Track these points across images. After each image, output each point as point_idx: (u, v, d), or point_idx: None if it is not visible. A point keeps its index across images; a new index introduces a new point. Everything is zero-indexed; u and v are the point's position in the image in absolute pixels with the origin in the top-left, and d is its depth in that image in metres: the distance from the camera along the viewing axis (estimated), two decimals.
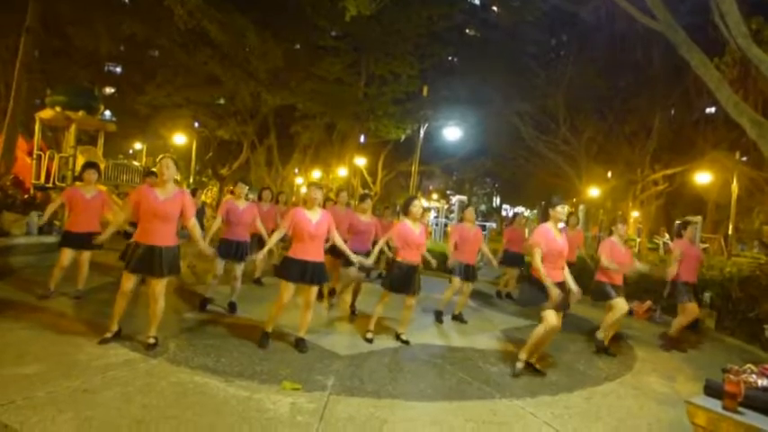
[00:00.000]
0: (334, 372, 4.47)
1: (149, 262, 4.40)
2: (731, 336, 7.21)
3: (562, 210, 4.90)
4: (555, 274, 4.81)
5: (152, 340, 4.52)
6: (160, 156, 4.92)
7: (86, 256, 6.12)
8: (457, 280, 6.84)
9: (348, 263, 6.49)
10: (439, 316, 6.89)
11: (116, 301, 4.56)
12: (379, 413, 3.70)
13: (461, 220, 7.15)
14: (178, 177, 5.07)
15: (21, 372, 3.73)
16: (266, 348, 4.84)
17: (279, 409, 3.57)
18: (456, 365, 5.05)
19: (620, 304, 5.90)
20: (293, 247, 4.97)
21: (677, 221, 7.43)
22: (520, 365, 4.89)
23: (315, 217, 4.94)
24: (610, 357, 5.83)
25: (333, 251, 5.94)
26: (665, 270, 6.70)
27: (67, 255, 5.97)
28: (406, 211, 5.64)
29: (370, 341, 5.48)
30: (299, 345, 4.96)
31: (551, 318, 4.76)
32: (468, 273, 6.89)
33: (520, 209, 43.05)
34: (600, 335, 6.02)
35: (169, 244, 4.50)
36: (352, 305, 6.86)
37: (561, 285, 4.81)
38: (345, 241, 6.08)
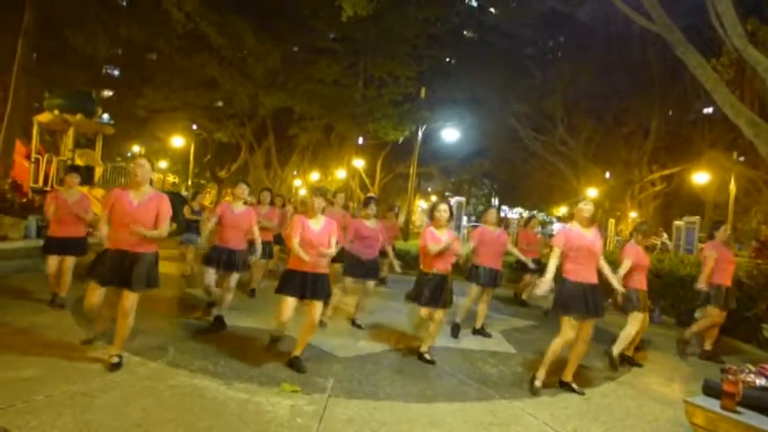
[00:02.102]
0: (333, 374, 4.47)
1: (118, 271, 3.97)
2: (729, 335, 7.22)
3: (585, 206, 4.62)
4: (584, 275, 4.49)
5: (115, 359, 4.02)
6: (136, 156, 4.68)
7: (69, 262, 5.85)
8: (474, 287, 6.42)
9: (350, 273, 6.21)
10: (455, 330, 6.23)
11: (85, 312, 4.28)
12: (378, 415, 3.70)
13: (484, 222, 6.78)
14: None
15: (20, 375, 3.73)
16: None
17: (278, 411, 3.57)
18: (455, 366, 5.06)
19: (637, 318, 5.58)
20: (293, 259, 4.61)
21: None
22: (537, 383, 4.54)
23: (317, 225, 4.63)
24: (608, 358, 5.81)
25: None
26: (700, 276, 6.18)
27: (54, 261, 5.82)
28: (431, 216, 5.15)
29: (433, 363, 5.06)
30: (294, 364, 4.43)
31: (565, 329, 4.48)
32: (489, 278, 6.35)
33: (518, 210, 43.05)
34: (615, 350, 5.51)
35: (145, 251, 4.05)
36: (356, 319, 6.45)
37: (592, 288, 4.49)
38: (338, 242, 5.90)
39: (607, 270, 4.77)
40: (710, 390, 3.53)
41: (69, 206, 5.84)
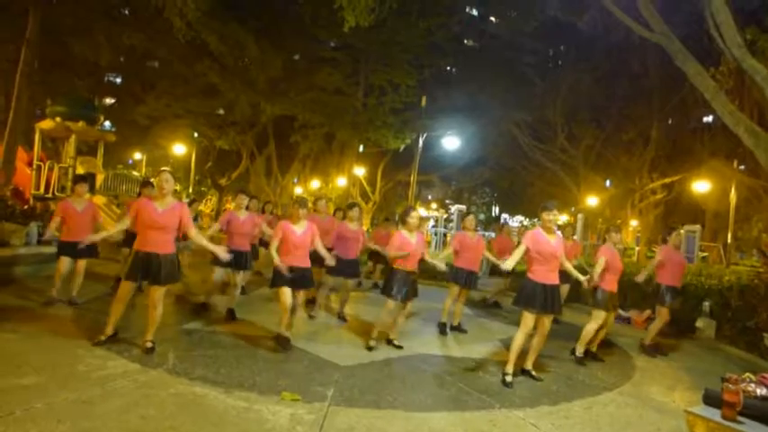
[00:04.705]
0: (333, 382, 4.47)
1: (148, 269, 4.61)
2: (730, 345, 7.20)
3: (546, 216, 5.07)
4: (547, 276, 4.99)
5: (149, 344, 4.67)
6: (160, 169, 5.09)
7: (82, 264, 6.38)
8: (455, 287, 6.90)
9: (333, 271, 6.69)
10: (443, 328, 6.85)
11: (113, 306, 4.79)
12: (379, 424, 3.69)
13: (463, 228, 7.20)
14: (178, 188, 5.23)
15: (19, 383, 3.72)
16: (289, 351, 5.18)
17: (278, 420, 3.56)
18: (455, 375, 5.04)
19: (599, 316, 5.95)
20: (281, 258, 5.34)
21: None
22: (509, 378, 4.86)
23: (300, 228, 5.41)
24: (609, 367, 5.82)
25: (314, 261, 5.95)
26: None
27: (65, 262, 6.25)
28: (403, 221, 5.83)
29: (370, 349, 5.60)
30: (280, 341, 5.25)
31: (526, 320, 4.97)
32: (469, 280, 6.93)
33: (519, 218, 43.10)
34: (579, 350, 5.94)
35: (167, 252, 4.69)
36: (341, 312, 7.06)
37: (552, 288, 4.98)
38: (330, 249, 6.35)
39: (568, 265, 5.32)
40: (711, 399, 3.52)
41: (79, 214, 6.32)
